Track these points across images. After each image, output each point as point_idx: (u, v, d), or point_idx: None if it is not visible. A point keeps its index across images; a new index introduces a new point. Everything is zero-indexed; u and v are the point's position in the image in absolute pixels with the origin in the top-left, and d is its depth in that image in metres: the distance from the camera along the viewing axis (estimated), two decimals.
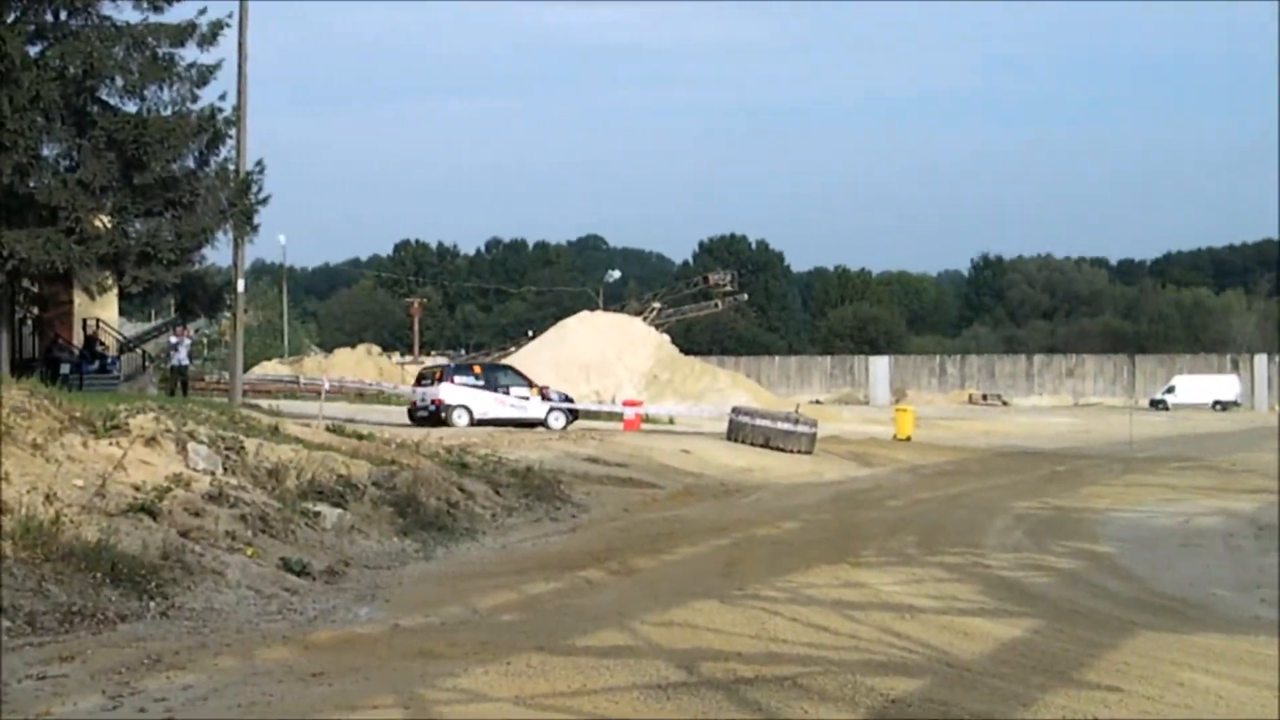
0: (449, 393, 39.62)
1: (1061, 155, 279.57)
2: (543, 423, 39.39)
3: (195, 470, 16.38)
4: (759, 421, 36.94)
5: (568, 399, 42.10)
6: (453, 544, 17.57)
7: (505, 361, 53.32)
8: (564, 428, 39.26)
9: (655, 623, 12.05)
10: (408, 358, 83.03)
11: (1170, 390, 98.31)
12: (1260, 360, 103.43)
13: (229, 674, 9.64)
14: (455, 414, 38.72)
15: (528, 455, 26.73)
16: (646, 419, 46.03)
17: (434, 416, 38.70)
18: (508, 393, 39.99)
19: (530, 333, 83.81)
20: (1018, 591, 14.72)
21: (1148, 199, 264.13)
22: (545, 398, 40.67)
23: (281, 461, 18.11)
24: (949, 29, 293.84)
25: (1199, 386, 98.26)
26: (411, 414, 40.37)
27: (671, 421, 49.52)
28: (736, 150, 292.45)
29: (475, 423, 38.27)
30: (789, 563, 16.37)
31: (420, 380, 41.99)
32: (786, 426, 36.52)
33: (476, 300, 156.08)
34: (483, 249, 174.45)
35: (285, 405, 38.64)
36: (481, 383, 40.44)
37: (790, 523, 21.27)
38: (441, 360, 70.48)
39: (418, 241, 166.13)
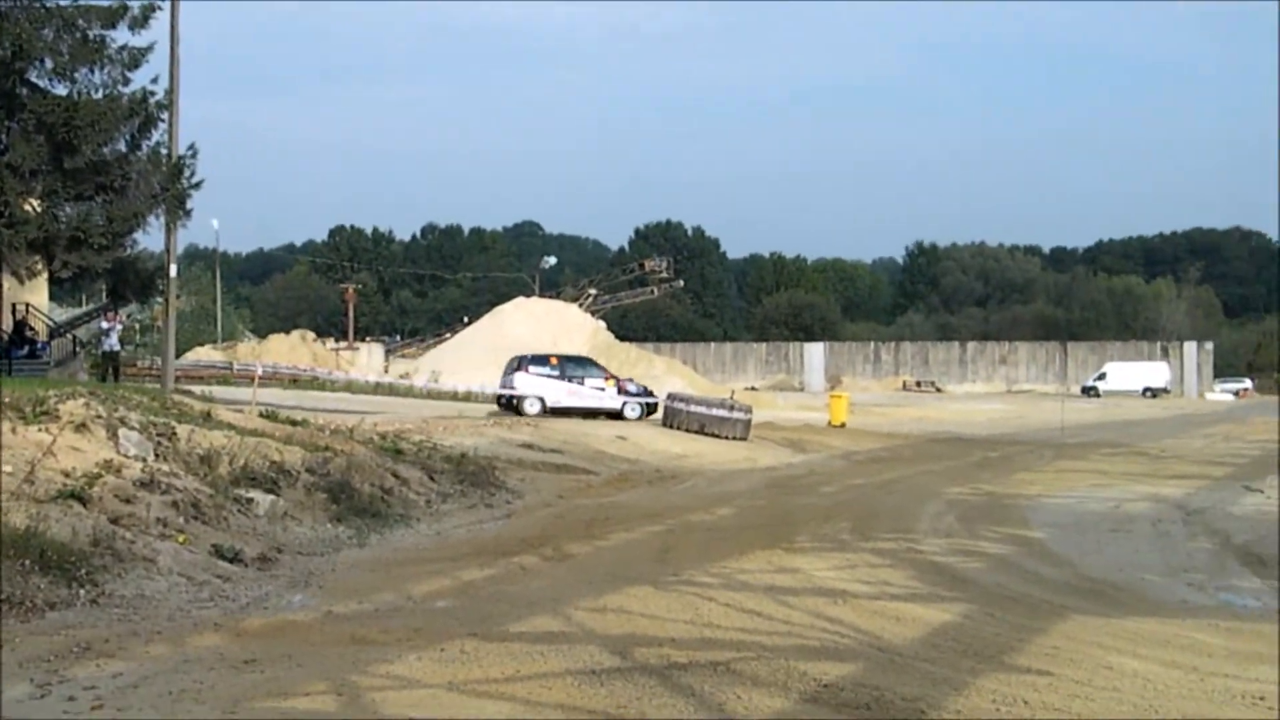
0: (523, 382, 41.07)
1: (995, 144, 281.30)
2: (619, 413, 40.42)
3: (126, 457, 16.24)
4: (694, 408, 37.02)
5: (647, 392, 42.70)
6: (387, 530, 17.51)
7: (583, 355, 53.98)
8: (639, 418, 40.31)
9: (589, 608, 12.05)
10: (342, 344, 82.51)
11: (1101, 377, 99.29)
12: (1189, 347, 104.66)
13: (159, 662, 9.57)
14: (528, 403, 40.21)
15: (463, 441, 26.66)
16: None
17: (510, 404, 40.87)
18: (582, 383, 40.99)
19: (466, 319, 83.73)
20: (949, 576, 14.81)
21: (1080, 188, 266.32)
22: (622, 390, 41.52)
23: (214, 448, 17.98)
24: (883, 19, 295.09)
25: (1129, 373, 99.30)
26: (497, 401, 42.74)
27: None
28: (673, 138, 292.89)
29: (548, 411, 39.76)
30: (723, 548, 16.40)
31: (506, 369, 43.01)
32: (722, 413, 36.61)
33: (412, 286, 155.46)
34: (418, 235, 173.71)
35: (218, 391, 38.35)
36: (556, 373, 41.46)
37: (725, 509, 21.32)
38: (444, 343, 70.27)
39: (353, 227, 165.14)
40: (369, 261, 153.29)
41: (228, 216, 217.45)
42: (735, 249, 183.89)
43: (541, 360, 42.74)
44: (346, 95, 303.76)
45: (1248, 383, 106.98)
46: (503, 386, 42.14)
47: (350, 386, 53.26)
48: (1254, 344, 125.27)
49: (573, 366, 42.49)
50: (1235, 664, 10.30)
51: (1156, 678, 9.72)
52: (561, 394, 40.61)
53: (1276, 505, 22.77)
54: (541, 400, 40.30)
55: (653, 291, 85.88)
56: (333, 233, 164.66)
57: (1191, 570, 15.82)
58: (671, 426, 36.28)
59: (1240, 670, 10.05)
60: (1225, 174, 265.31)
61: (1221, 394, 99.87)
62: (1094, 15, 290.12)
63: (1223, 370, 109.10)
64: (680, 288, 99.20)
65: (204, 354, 65.77)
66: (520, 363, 42.24)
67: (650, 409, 41.21)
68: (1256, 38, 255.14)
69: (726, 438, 35.37)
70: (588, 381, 41.12)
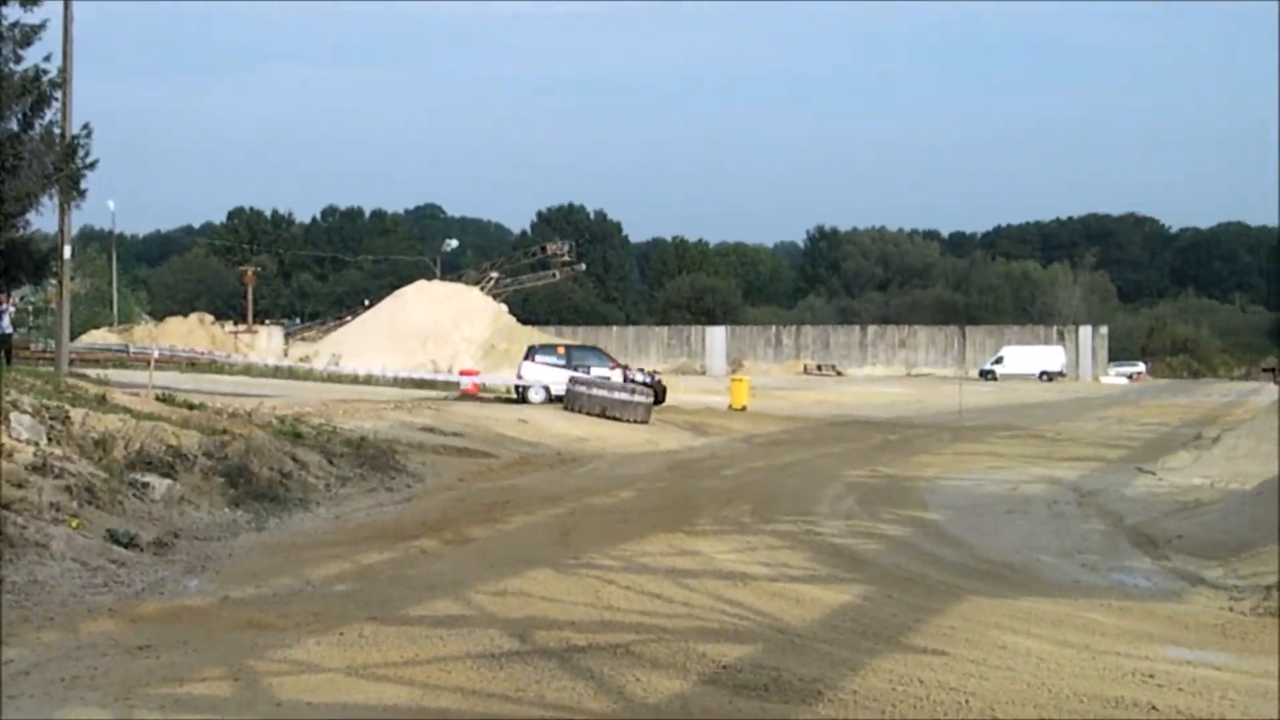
0: (529, 371, 41.99)
1: (894, 129, 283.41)
2: None
3: (18, 440, 15.97)
4: (596, 391, 37.02)
5: (652, 381, 43.20)
6: (285, 514, 17.36)
7: (591, 344, 54.22)
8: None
9: (489, 592, 12.04)
10: (241, 326, 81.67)
11: (999, 361, 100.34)
12: (1085, 331, 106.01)
13: (52, 648, 9.45)
14: (532, 391, 40.84)
15: (363, 425, 26.50)
16: (483, 388, 45.92)
17: (520, 392, 41.53)
18: (587, 372, 40.95)
19: (367, 301, 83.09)
20: (848, 558, 14.93)
21: (979, 173, 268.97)
22: (626, 378, 41.74)
23: (109, 431, 17.73)
24: (782, 7, 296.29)
25: (1026, 357, 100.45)
26: (515, 390, 42.88)
27: (509, 391, 49.43)
28: (575, 121, 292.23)
29: (552, 399, 39.83)
30: (624, 531, 16.44)
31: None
32: (623, 396, 36.66)
33: (312, 269, 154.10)
34: (319, 217, 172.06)
35: (114, 374, 37.82)
36: (563, 362, 42.11)
37: (626, 492, 21.36)
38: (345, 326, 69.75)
39: (252, 209, 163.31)
40: (269, 244, 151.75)
41: (124, 198, 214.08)
42: (637, 233, 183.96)
43: (549, 349, 43.81)
44: (246, 78, 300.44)
45: (1141, 366, 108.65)
46: (516, 375, 42.93)
47: (249, 370, 52.77)
48: (1147, 328, 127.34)
49: (579, 355, 43.32)
50: (1126, 643, 10.46)
51: (1050, 656, 9.86)
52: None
53: (1168, 487, 23.16)
54: (546, 389, 40.71)
55: (555, 275, 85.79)
56: (232, 214, 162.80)
57: (1085, 551, 16.04)
58: (573, 410, 36.26)
59: (1131, 649, 10.21)
60: (1120, 160, 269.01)
61: (1116, 377, 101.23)
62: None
63: (1117, 354, 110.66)
64: (582, 271, 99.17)
65: (99, 337, 64.74)
66: (530, 351, 43.31)
67: (660, 395, 41.76)
68: (1157, 25, 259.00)
69: (628, 421, 35.41)
70: (593, 370, 41.38)
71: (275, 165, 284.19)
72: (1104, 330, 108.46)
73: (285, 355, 64.65)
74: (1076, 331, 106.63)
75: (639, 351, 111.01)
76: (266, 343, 72.91)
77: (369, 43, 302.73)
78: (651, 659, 9.53)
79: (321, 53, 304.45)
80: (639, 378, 42.64)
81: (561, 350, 43.73)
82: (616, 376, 41.24)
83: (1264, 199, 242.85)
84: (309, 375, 51.26)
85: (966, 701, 8.48)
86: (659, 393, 41.76)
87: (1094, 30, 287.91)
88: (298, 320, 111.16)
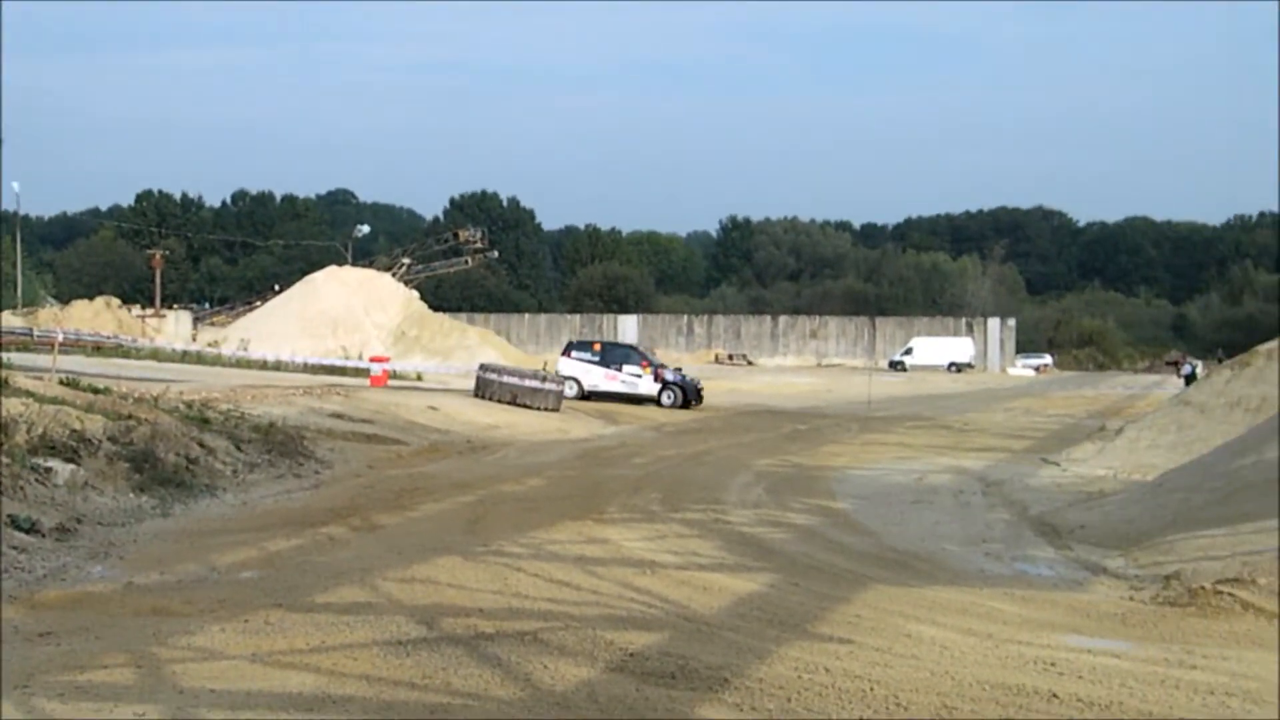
0: (564, 365, 42.67)
1: (809, 122, 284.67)
2: (655, 399, 42.17)
3: None
4: (507, 379, 36.92)
5: (684, 380, 43.82)
6: (192, 501, 17.19)
7: (626, 341, 54.47)
8: (674, 405, 41.81)
9: (397, 579, 12.00)
10: (149, 311, 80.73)
11: (908, 352, 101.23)
12: (993, 323, 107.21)
13: None
14: (566, 385, 40.14)
15: (271, 411, 26.26)
16: (394, 375, 45.71)
17: None
18: (620, 369, 42.37)
19: (277, 287, 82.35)
20: (756, 547, 14.99)
21: (890, 166, 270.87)
22: (659, 378, 42.86)
23: (10, 416, 17.47)
24: None
25: (935, 348, 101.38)
26: None
27: (420, 378, 49.25)
28: (490, 109, 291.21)
29: (584, 395, 41.31)
30: (533, 519, 16.44)
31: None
32: (534, 384, 36.58)
33: (222, 253, 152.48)
34: (229, 201, 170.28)
35: (17, 358, 37.20)
36: (597, 359, 43.09)
37: (536, 479, 21.34)
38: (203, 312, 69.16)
39: (161, 192, 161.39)
40: (177, 228, 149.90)
41: (29, 179, 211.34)
42: (550, 220, 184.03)
43: (585, 345, 44.54)
44: (154, 60, 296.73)
45: (1048, 358, 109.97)
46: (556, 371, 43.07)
47: (156, 355, 52.09)
48: (1054, 321, 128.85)
49: (614, 353, 44.01)
50: (1029, 631, 10.58)
51: (953, 644, 9.96)
52: (599, 378, 42.30)
53: (1072, 477, 23.46)
54: (578, 383, 41.70)
55: (467, 262, 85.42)
56: (140, 197, 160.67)
57: (990, 540, 16.21)
58: (484, 397, 36.13)
59: (1033, 637, 10.33)
60: (1029, 154, 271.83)
61: (1023, 369, 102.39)
62: None
63: (1025, 346, 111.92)
64: (495, 258, 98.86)
65: (2, 320, 63.81)
66: (567, 348, 44.33)
67: (693, 395, 42.55)
68: (1060, 21, 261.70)
69: (539, 409, 35.37)
70: (625, 368, 42.47)
71: (186, 149, 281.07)
72: (1012, 322, 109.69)
73: (194, 340, 63.96)
74: (985, 323, 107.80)
75: (551, 340, 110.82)
76: (174, 327, 72.22)
77: (279, 25, 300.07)
78: (559, 646, 9.53)
79: (236, 37, 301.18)
80: (670, 377, 43.34)
81: (597, 347, 44.41)
82: (648, 376, 42.31)
83: (1169, 194, 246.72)
84: (217, 361, 50.68)
85: (871, 689, 8.54)
86: (691, 393, 42.42)
87: (1001, 26, 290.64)
88: (207, 305, 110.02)
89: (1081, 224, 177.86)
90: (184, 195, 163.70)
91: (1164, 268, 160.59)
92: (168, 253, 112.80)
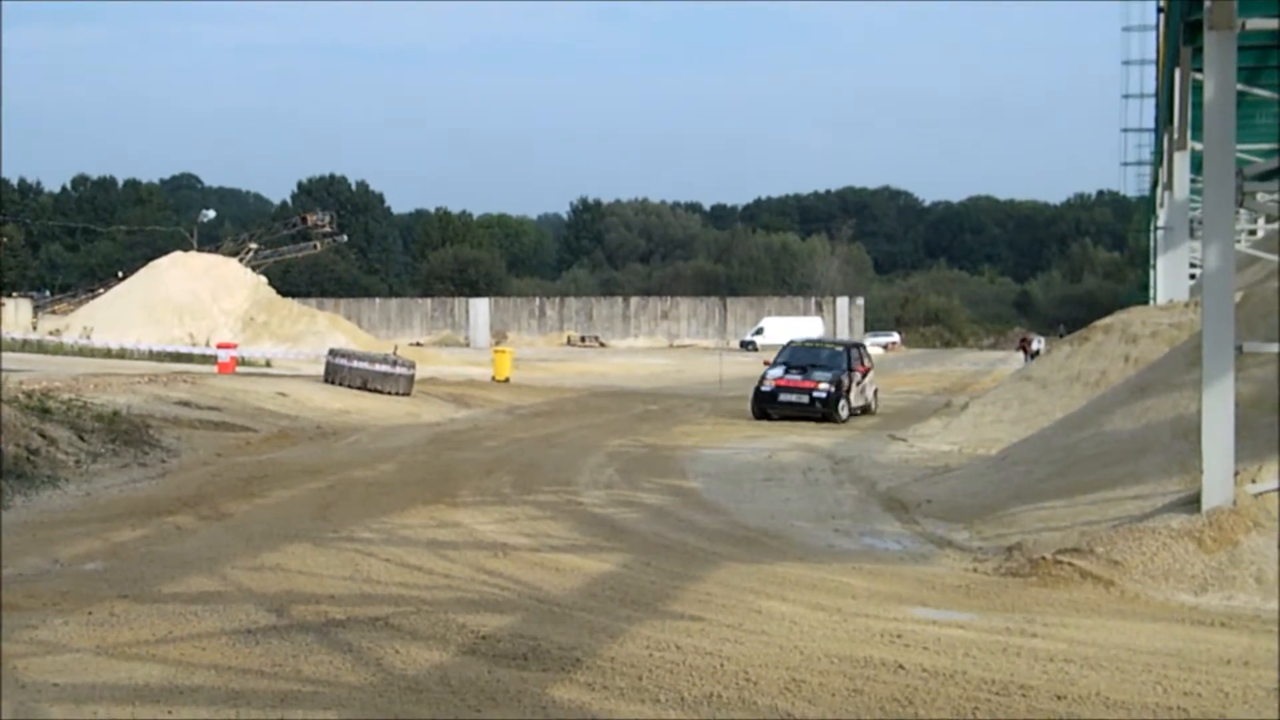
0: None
1: (657, 102, 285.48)
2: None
3: None
4: (356, 364, 36.63)
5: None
6: (33, 492, 16.82)
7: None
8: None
9: (246, 567, 11.89)
10: None
11: (759, 332, 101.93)
12: (842, 302, 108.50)
13: None
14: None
15: (115, 399, 25.78)
16: (242, 362, 45.18)
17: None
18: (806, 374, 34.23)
19: (120, 274, 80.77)
20: (609, 527, 15.07)
21: (738, 147, 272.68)
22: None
23: None
24: None
25: (785, 328, 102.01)
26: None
27: (269, 364, 48.74)
28: (335, 90, 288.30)
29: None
30: (385, 504, 16.38)
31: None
32: (384, 368, 36.35)
33: (63, 239, 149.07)
34: (69, 186, 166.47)
35: None
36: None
37: (387, 464, 21.23)
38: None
39: None
40: (15, 214, 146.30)
41: None
42: (400, 204, 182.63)
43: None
44: None
45: (896, 336, 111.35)
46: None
47: None
48: (901, 299, 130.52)
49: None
50: (876, 604, 10.76)
51: (803, 620, 10.10)
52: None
53: (919, 453, 23.86)
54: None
55: (316, 246, 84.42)
56: None
57: (839, 516, 16.44)
58: (334, 383, 35.81)
59: (881, 610, 10.51)
60: (874, 135, 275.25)
61: (872, 347, 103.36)
62: None
63: (873, 324, 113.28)
64: (344, 242, 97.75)
65: None
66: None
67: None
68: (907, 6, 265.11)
69: (389, 393, 35.16)
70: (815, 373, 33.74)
71: (20, 132, 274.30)
72: (860, 301, 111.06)
73: (34, 329, 62.60)
74: (834, 302, 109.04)
75: (402, 324, 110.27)
76: (14, 316, 70.44)
77: (126, 6, 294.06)
78: (411, 630, 9.52)
79: (76, 15, 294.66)
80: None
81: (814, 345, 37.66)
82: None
83: (1011, 174, 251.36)
84: (59, 349, 49.71)
85: (721, 665, 8.64)
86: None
87: (843, 8, 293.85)
88: (47, 293, 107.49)
89: (927, 203, 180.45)
90: (21, 180, 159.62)
91: (1007, 246, 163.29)
92: (6, 240, 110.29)
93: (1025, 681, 8.29)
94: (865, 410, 34.54)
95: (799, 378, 32.78)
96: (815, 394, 32.24)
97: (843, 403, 32.48)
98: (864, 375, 35.01)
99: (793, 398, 32.37)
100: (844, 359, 34.14)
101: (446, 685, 8.15)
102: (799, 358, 34.23)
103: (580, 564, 12.44)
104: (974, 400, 30.62)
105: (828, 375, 32.74)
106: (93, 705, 7.64)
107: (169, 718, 7.44)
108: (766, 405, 32.62)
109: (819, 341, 39.85)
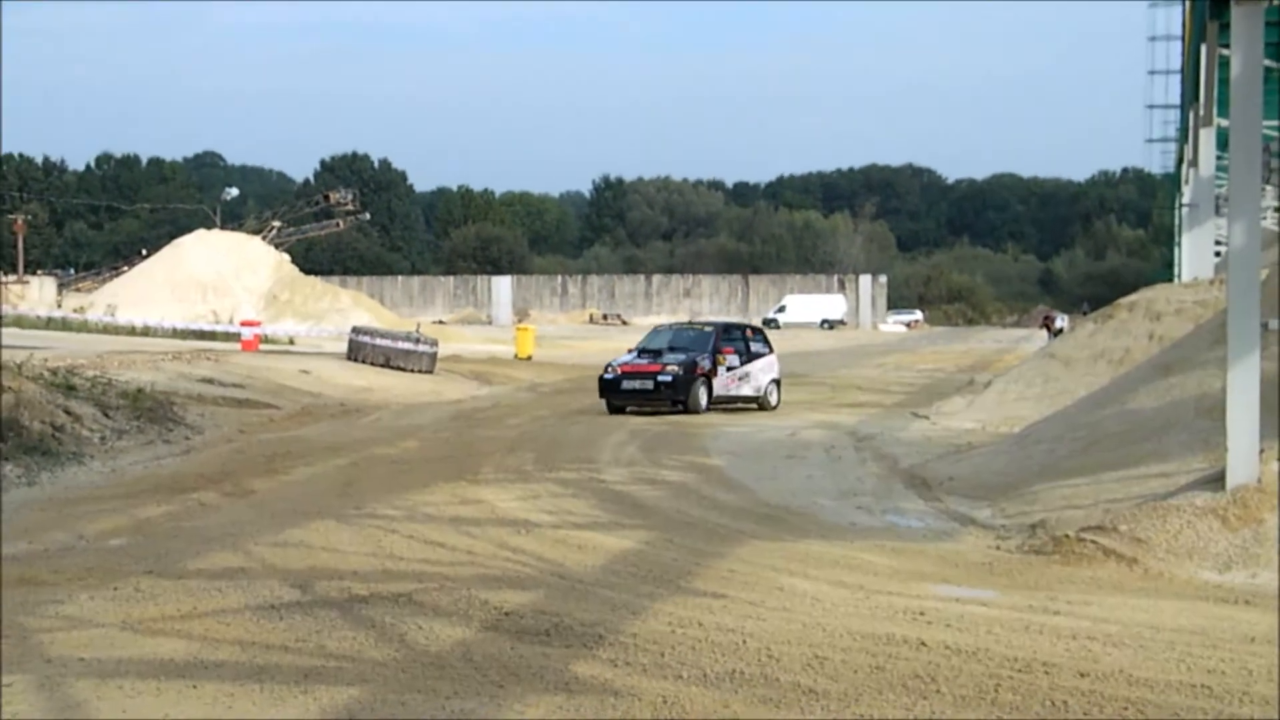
0: None
1: (678, 79, 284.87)
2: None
3: None
4: (379, 341, 36.74)
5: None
6: (58, 468, 16.92)
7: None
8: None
9: (270, 544, 11.93)
10: (11, 277, 79.02)
11: (781, 309, 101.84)
12: (865, 280, 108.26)
13: None
14: None
15: (139, 377, 25.88)
16: (265, 339, 45.25)
17: None
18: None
19: (144, 251, 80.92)
20: (631, 504, 15.07)
21: (761, 124, 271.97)
22: None
23: None
24: None
25: (808, 306, 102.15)
26: None
27: (291, 342, 48.84)
28: (358, 67, 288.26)
29: None
30: (407, 481, 16.41)
31: None
32: (407, 346, 36.44)
33: (87, 218, 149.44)
34: (92, 164, 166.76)
35: None
36: None
37: (409, 442, 21.27)
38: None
39: (21, 155, 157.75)
40: (40, 192, 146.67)
41: None
42: (423, 182, 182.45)
43: None
44: (14, 21, 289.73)
45: (918, 314, 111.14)
46: None
47: (20, 321, 51.08)
48: (925, 277, 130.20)
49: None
50: (899, 582, 10.74)
51: (825, 597, 10.08)
52: None
53: (941, 431, 23.82)
54: None
55: (338, 224, 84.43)
56: None
57: (861, 494, 16.41)
58: (357, 360, 35.92)
59: (903, 588, 10.49)
60: (899, 111, 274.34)
61: (894, 325, 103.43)
62: None
63: (896, 302, 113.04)
64: (367, 220, 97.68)
65: None
66: None
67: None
68: None
69: (412, 371, 35.25)
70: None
71: (44, 111, 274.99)
72: (883, 279, 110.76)
73: (59, 307, 62.76)
74: (857, 280, 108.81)
75: (425, 302, 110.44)
76: (38, 294, 70.73)
77: None
78: (434, 607, 9.54)
79: None
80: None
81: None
82: None
83: (1035, 152, 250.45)
84: (84, 327, 49.89)
85: (744, 642, 8.63)
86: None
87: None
88: (72, 271, 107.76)
89: (950, 181, 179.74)
90: (45, 159, 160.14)
91: (1031, 223, 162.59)
92: (30, 218, 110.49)
93: (1048, 659, 8.27)
94: (758, 404, 29.46)
95: (647, 362, 28.16)
96: (660, 378, 27.43)
97: (699, 389, 27.63)
98: (746, 360, 29.40)
99: (636, 384, 27.69)
100: (709, 341, 28.98)
101: (469, 661, 8.16)
102: (657, 341, 30.00)
103: (602, 541, 12.44)
104: (997, 378, 30.51)
105: (679, 358, 27.96)
106: (118, 679, 7.66)
107: (194, 692, 7.46)
108: (611, 395, 27.98)
109: (690, 324, 33.84)
